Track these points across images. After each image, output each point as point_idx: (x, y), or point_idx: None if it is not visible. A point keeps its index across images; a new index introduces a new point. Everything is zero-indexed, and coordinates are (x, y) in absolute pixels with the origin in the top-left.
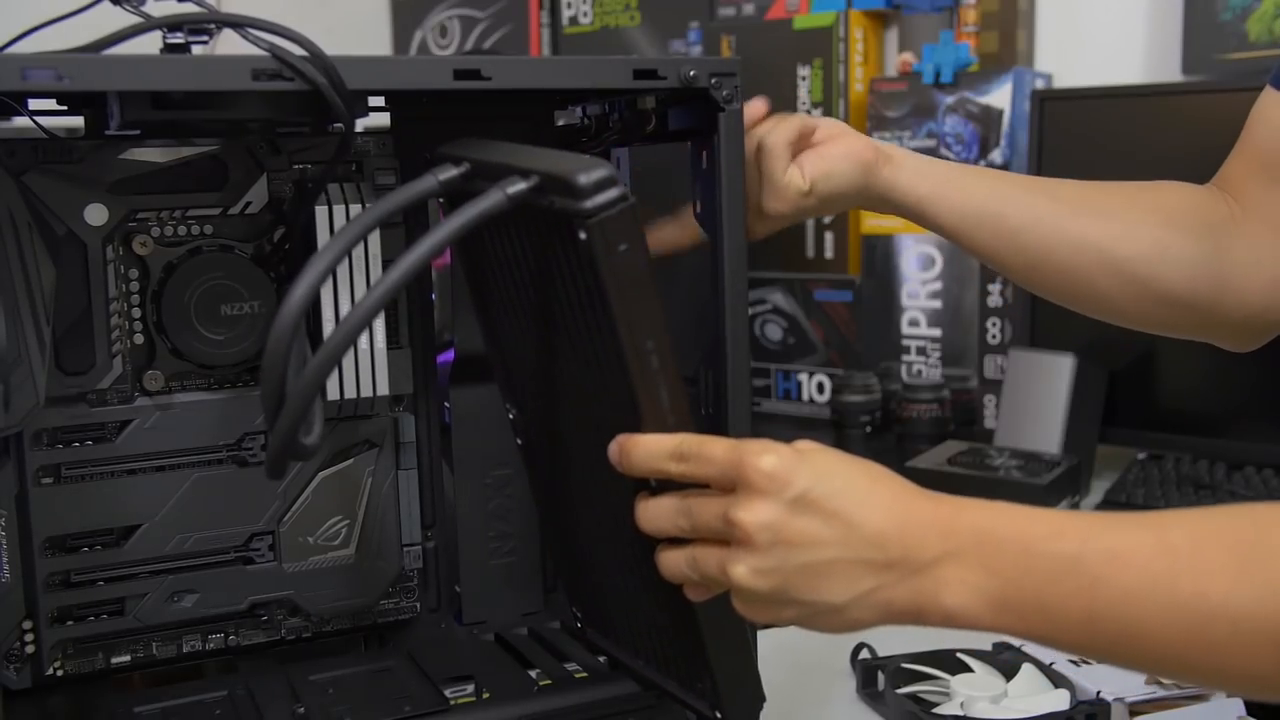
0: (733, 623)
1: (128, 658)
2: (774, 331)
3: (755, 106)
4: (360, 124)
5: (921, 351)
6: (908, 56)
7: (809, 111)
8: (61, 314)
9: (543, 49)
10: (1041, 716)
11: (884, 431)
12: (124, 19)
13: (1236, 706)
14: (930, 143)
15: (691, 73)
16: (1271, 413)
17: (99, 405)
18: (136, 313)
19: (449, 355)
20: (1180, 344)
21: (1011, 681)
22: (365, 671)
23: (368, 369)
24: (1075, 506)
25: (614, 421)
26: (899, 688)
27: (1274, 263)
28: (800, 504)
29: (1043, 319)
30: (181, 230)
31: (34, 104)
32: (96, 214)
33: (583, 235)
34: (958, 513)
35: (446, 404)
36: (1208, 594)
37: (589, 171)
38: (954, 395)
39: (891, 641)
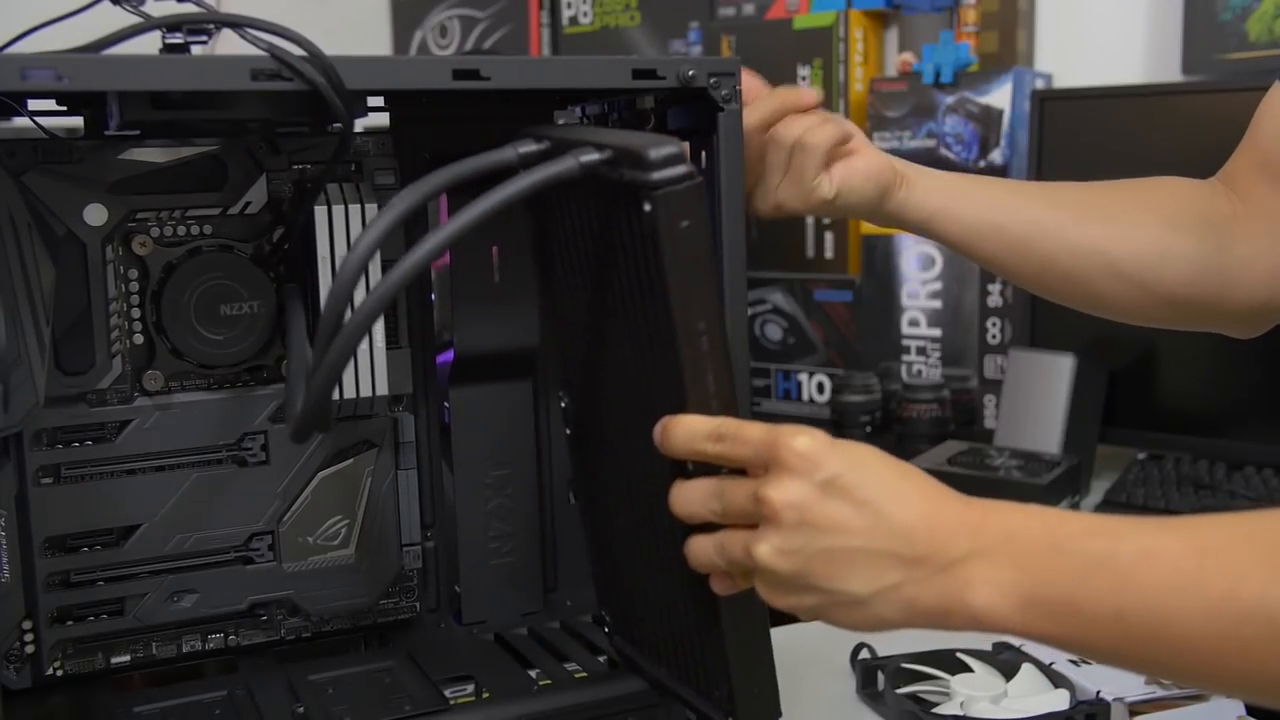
0: (755, 632)
1: (128, 658)
2: (774, 331)
3: (808, 95)
4: (359, 124)
5: (921, 351)
6: (908, 56)
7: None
8: (61, 314)
9: (543, 49)
10: (1041, 716)
11: (884, 431)
12: (124, 19)
13: (1236, 707)
14: (930, 143)
15: (690, 73)
16: (1271, 413)
17: (99, 405)
18: (136, 313)
19: (448, 355)
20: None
21: (1011, 681)
22: (365, 671)
23: (367, 369)
24: (1075, 506)
25: (660, 405)
26: (899, 688)
27: (1275, 255)
28: (830, 488)
29: (1043, 319)
30: (181, 230)
31: (34, 104)
32: (96, 214)
33: (647, 207)
34: (987, 513)
35: (446, 404)
36: (1239, 594)
37: (659, 147)
38: (954, 395)
39: (892, 641)
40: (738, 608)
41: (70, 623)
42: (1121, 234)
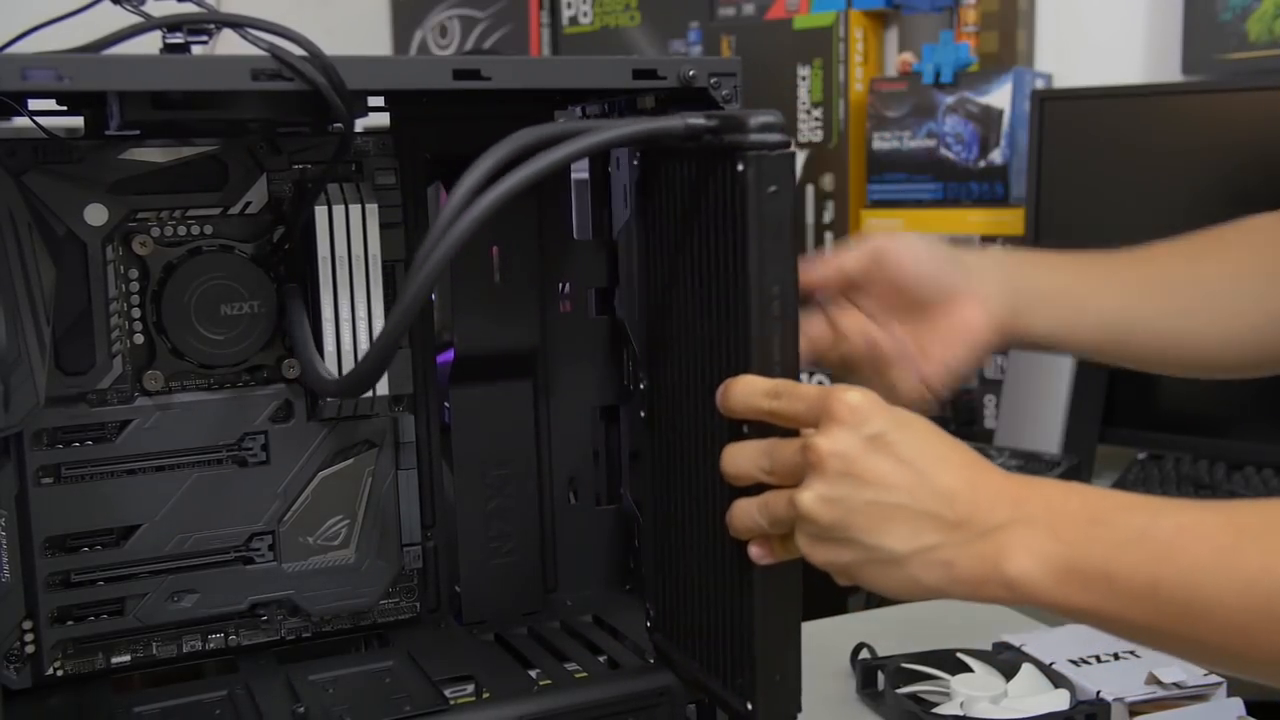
0: (786, 618)
1: (128, 658)
2: None
3: (812, 274)
4: (360, 124)
5: None
6: (908, 56)
7: (809, 111)
8: (61, 314)
9: (543, 49)
10: (1041, 716)
11: None
12: (124, 19)
13: (1237, 706)
14: (930, 143)
15: (691, 73)
16: (1271, 413)
17: (99, 405)
18: (136, 313)
19: (449, 355)
20: None
21: (1011, 681)
22: (365, 671)
23: None
24: None
25: (727, 372)
26: (899, 688)
27: None
28: (876, 442)
29: None
30: (181, 230)
31: (34, 104)
32: (96, 214)
33: (741, 167)
34: (1028, 485)
35: (446, 404)
36: (1274, 569)
37: (760, 114)
38: (954, 395)
39: (891, 642)
40: (772, 588)
41: (70, 623)
42: (1235, 309)
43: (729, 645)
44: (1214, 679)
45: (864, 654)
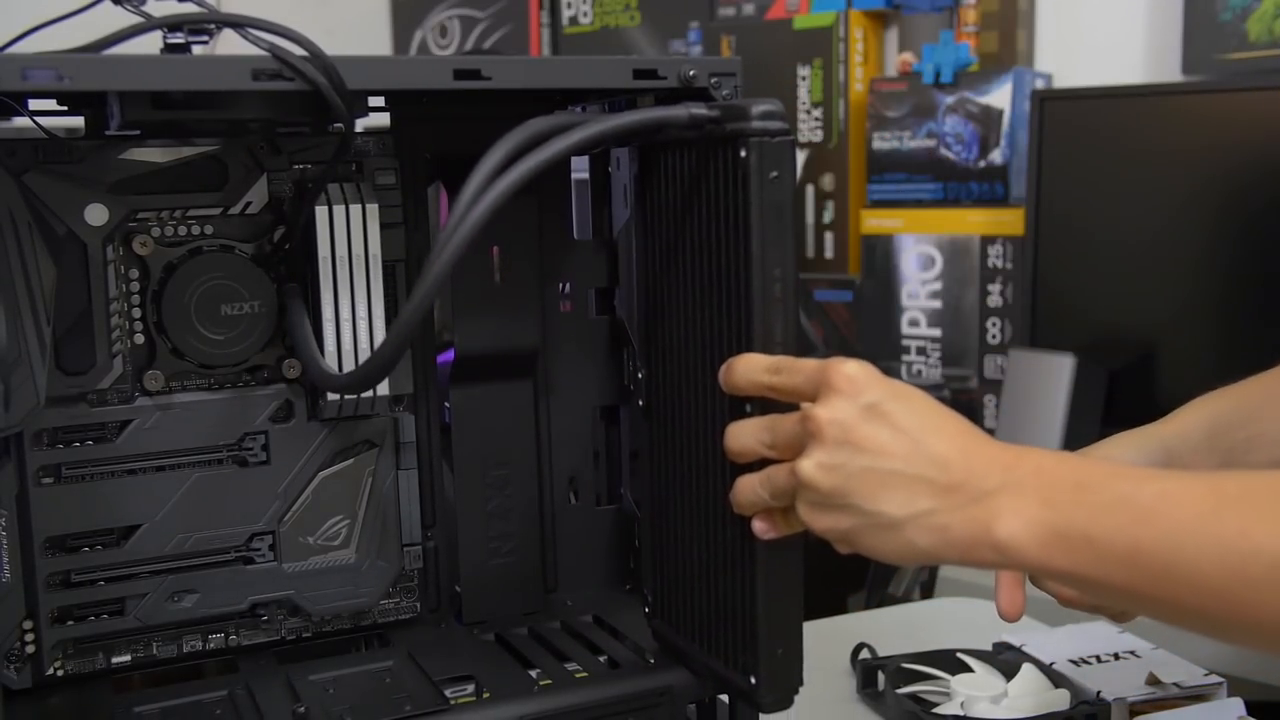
0: (788, 594)
1: (128, 658)
2: None
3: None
4: (360, 124)
5: (921, 351)
6: (908, 56)
7: (809, 111)
8: (61, 314)
9: (543, 49)
10: (1041, 716)
11: None
12: (124, 19)
13: (1237, 707)
14: (930, 143)
15: (691, 73)
16: None
17: (99, 405)
18: (137, 313)
19: (449, 355)
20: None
21: (1011, 681)
22: (365, 671)
23: None
24: None
25: (730, 353)
26: (899, 688)
27: None
28: (872, 411)
29: (1043, 319)
30: (181, 230)
31: (34, 104)
32: (96, 214)
33: (743, 152)
34: (1020, 453)
35: (446, 404)
36: (1251, 534)
37: (762, 103)
38: (954, 395)
39: (892, 642)
40: (774, 562)
41: (71, 622)
42: None
43: (731, 625)
44: (1214, 679)
45: (864, 654)
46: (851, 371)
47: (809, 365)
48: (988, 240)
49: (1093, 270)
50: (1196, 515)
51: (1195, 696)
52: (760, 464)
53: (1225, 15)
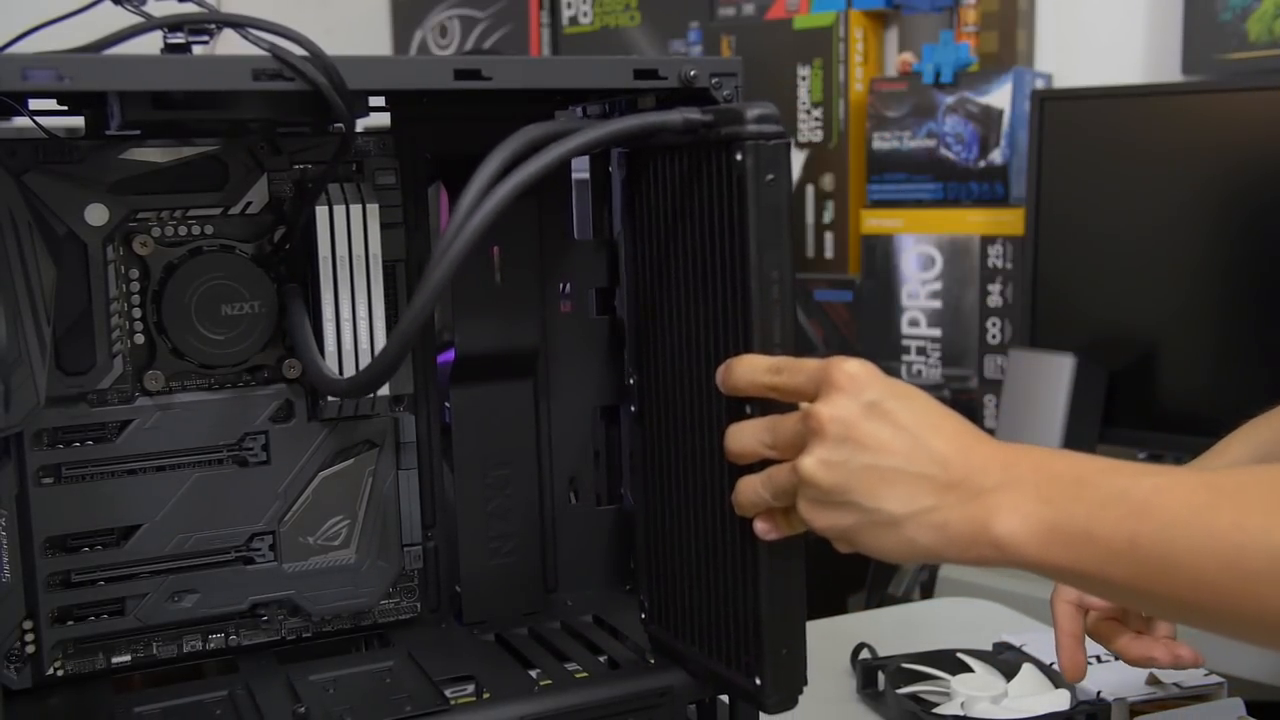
0: (791, 592)
1: (128, 658)
2: None
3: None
4: (360, 124)
5: (921, 351)
6: (908, 56)
7: (809, 111)
8: (62, 314)
9: (543, 49)
10: (1041, 716)
11: None
12: (124, 19)
13: (1237, 707)
14: (930, 143)
15: (692, 73)
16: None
17: (99, 405)
18: (137, 313)
19: (449, 355)
20: (1180, 344)
21: (1011, 681)
22: (365, 671)
23: None
24: None
25: (727, 355)
26: (899, 688)
27: None
28: (873, 409)
29: (1043, 319)
30: (182, 230)
31: (34, 104)
32: (97, 214)
33: (739, 156)
34: (1018, 450)
35: (447, 404)
36: (1245, 526)
37: (756, 106)
38: (954, 395)
39: (892, 642)
40: (778, 562)
41: (71, 623)
42: None
43: (732, 627)
44: (1214, 679)
45: (864, 654)
46: (853, 369)
47: (810, 365)
48: (988, 240)
49: (1093, 270)
50: (1191, 509)
51: (1195, 696)
52: (761, 465)
53: (1225, 15)
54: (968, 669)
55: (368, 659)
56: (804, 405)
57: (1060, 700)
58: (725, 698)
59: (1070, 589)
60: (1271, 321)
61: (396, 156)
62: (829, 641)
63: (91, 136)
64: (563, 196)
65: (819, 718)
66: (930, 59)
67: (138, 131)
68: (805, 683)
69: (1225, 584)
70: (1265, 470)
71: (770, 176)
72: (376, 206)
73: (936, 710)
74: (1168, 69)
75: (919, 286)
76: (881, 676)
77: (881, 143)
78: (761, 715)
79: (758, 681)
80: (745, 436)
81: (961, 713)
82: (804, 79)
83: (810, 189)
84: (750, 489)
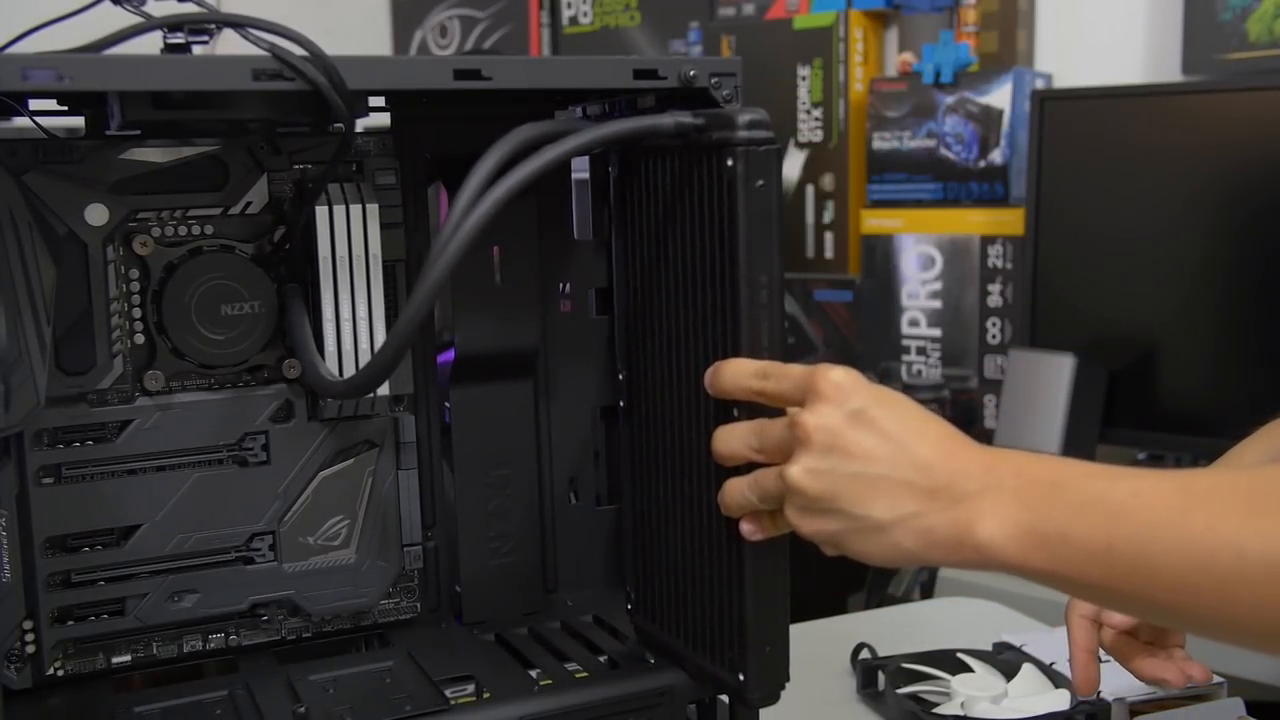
0: (775, 590)
1: (128, 658)
2: None
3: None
4: (360, 124)
5: (921, 351)
6: (908, 56)
7: (809, 111)
8: (62, 314)
9: (543, 49)
10: (1041, 716)
11: None
12: (124, 19)
13: (1237, 707)
14: (930, 143)
15: (691, 73)
16: (1271, 413)
17: (99, 405)
18: (137, 313)
19: (449, 355)
20: (1180, 344)
21: (1011, 681)
22: (365, 671)
23: None
24: None
25: (716, 357)
26: (899, 688)
27: None
28: (858, 417)
29: (1043, 319)
30: (182, 230)
31: (34, 104)
32: (97, 214)
33: (730, 161)
34: (1000, 455)
35: (447, 404)
36: (1218, 529)
37: (747, 112)
38: (954, 395)
39: (892, 642)
40: (762, 561)
41: (71, 623)
42: None
43: (716, 621)
44: (1215, 679)
45: (864, 654)
46: (838, 378)
47: (796, 371)
48: (988, 240)
49: (1093, 270)
50: (1166, 511)
51: (1195, 696)
52: (748, 467)
53: (1225, 15)
54: (968, 669)
55: (368, 659)
56: (790, 412)
57: (1060, 700)
58: (725, 698)
59: (1086, 603)
60: (1271, 321)
61: (396, 156)
62: (829, 641)
63: (91, 136)
64: (562, 196)
65: (819, 718)
66: (930, 59)
67: (138, 131)
68: (788, 679)
69: (1200, 587)
70: (1242, 475)
71: (760, 183)
72: (376, 206)
73: (936, 710)
74: (1168, 69)
75: (919, 286)
76: (881, 676)
77: (881, 143)
78: (762, 714)
79: (741, 677)
80: (732, 440)
81: (961, 713)
82: (804, 79)
83: (810, 189)
84: (737, 491)
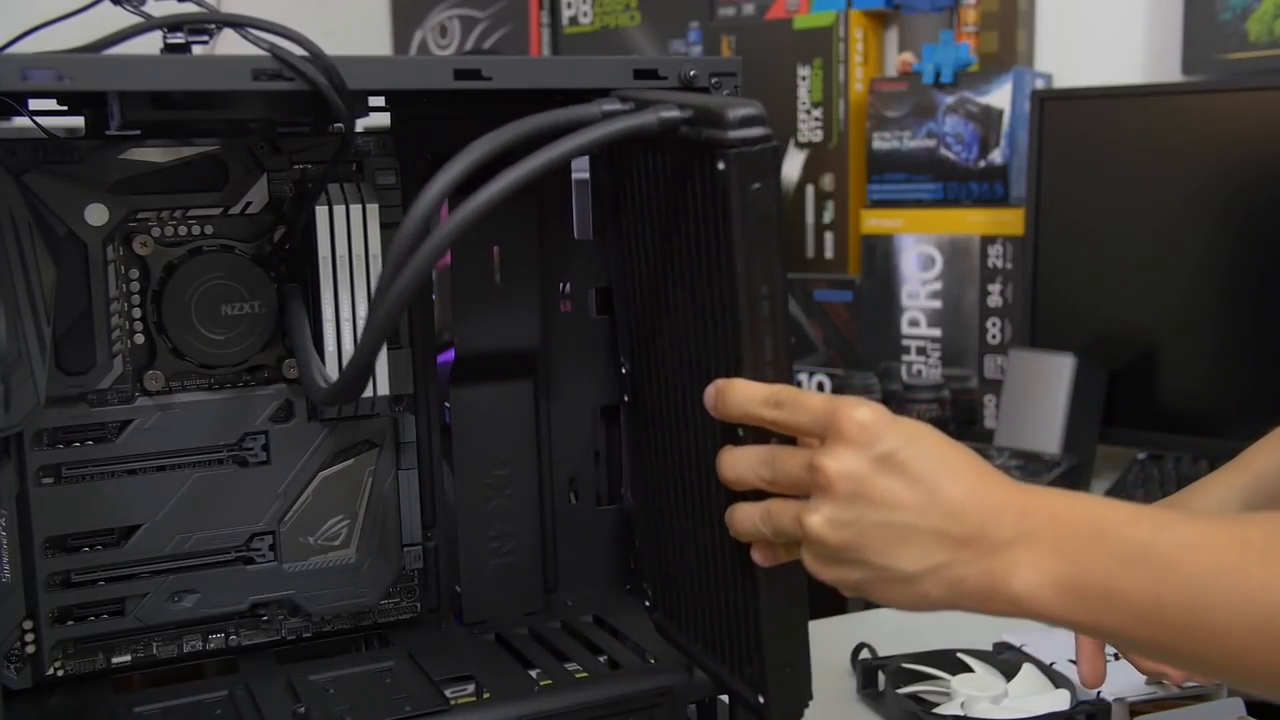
0: (793, 608)
1: (128, 658)
2: None
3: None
4: (360, 124)
5: (921, 351)
6: (908, 56)
7: (809, 111)
8: (62, 314)
9: (543, 49)
10: (1042, 716)
11: None
12: (124, 19)
13: (1237, 706)
14: (930, 143)
15: (692, 73)
16: (1271, 413)
17: (99, 405)
18: (137, 313)
19: (449, 355)
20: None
21: (1012, 681)
22: (365, 671)
23: None
24: None
25: (716, 370)
26: (899, 688)
27: None
28: (887, 462)
29: (1043, 319)
30: (182, 230)
31: (34, 104)
32: (97, 214)
33: (721, 165)
34: (1033, 496)
35: (447, 404)
36: (1276, 586)
37: (738, 108)
38: (954, 395)
39: (892, 642)
40: (777, 582)
41: (71, 623)
42: None
43: (735, 634)
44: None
45: (864, 654)
46: (863, 418)
47: (814, 404)
48: (988, 240)
49: (1093, 270)
50: (1219, 567)
51: (1195, 696)
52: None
53: (1225, 15)
54: (968, 669)
55: (368, 659)
56: (810, 456)
57: (1060, 700)
58: (725, 698)
59: None
60: (1271, 321)
61: (396, 156)
62: (829, 641)
63: (91, 136)
64: (562, 196)
65: (819, 718)
66: (930, 59)
67: (138, 131)
68: (810, 697)
69: (1256, 646)
70: None
71: (757, 185)
72: (376, 206)
73: (936, 710)
74: (1168, 69)
75: (919, 286)
76: (881, 676)
77: (881, 143)
78: None
79: (761, 700)
80: (741, 466)
81: (961, 713)
82: (804, 79)
83: (810, 189)
84: (749, 521)
